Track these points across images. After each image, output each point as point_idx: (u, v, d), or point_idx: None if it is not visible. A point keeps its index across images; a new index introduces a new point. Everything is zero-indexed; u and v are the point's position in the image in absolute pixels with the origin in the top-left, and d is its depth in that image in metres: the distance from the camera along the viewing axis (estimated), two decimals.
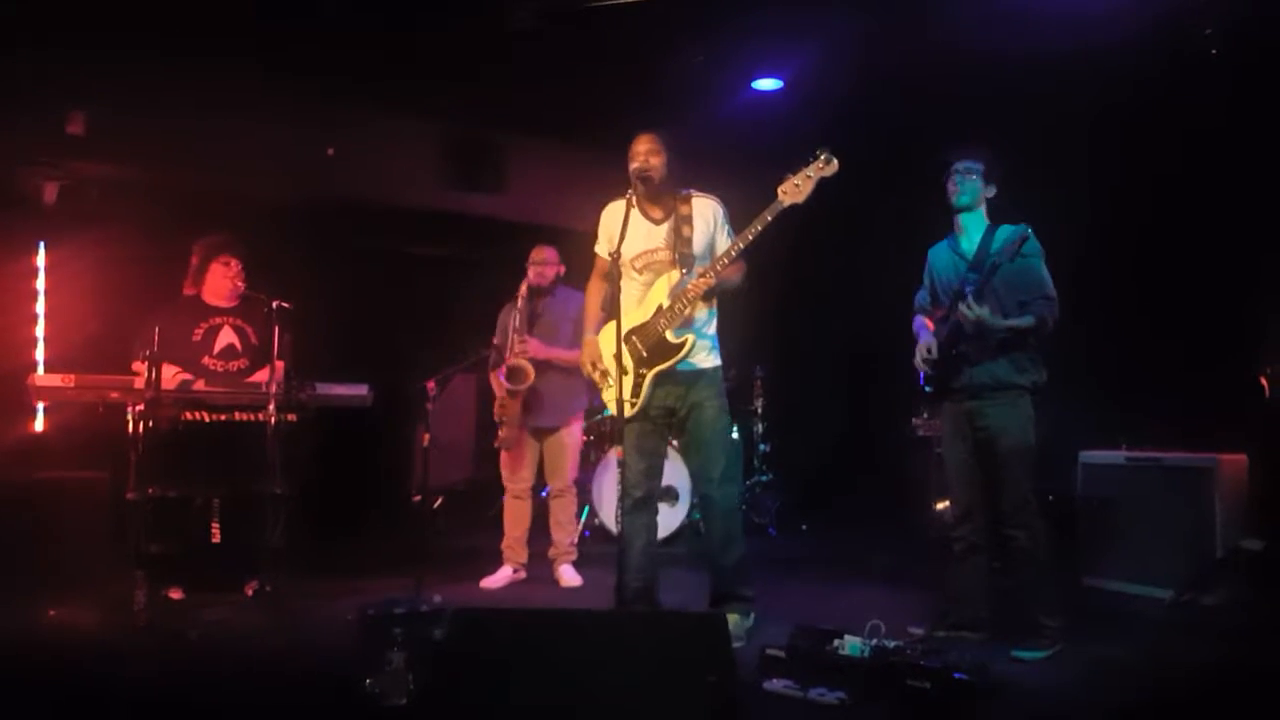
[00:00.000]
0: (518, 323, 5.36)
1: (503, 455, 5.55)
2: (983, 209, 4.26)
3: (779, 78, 6.49)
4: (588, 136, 6.97)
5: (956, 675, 3.24)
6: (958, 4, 5.15)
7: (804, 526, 7.78)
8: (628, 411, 4.09)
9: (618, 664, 2.69)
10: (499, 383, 5.53)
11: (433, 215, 7.60)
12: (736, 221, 4.17)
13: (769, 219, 3.89)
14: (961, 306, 3.97)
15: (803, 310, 8.20)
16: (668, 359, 4.11)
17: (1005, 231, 4.14)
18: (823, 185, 3.87)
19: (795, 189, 3.87)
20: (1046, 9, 5.04)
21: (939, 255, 4.41)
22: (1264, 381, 4.80)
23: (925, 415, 6.27)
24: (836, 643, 3.54)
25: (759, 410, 7.88)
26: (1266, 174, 5.21)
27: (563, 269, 5.56)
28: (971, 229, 4.26)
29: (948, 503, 6.06)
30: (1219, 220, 5.47)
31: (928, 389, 4.33)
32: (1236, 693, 3.59)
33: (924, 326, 4.39)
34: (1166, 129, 5.53)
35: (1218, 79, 5.10)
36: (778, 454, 7.95)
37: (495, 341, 5.61)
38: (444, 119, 7.31)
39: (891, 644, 3.50)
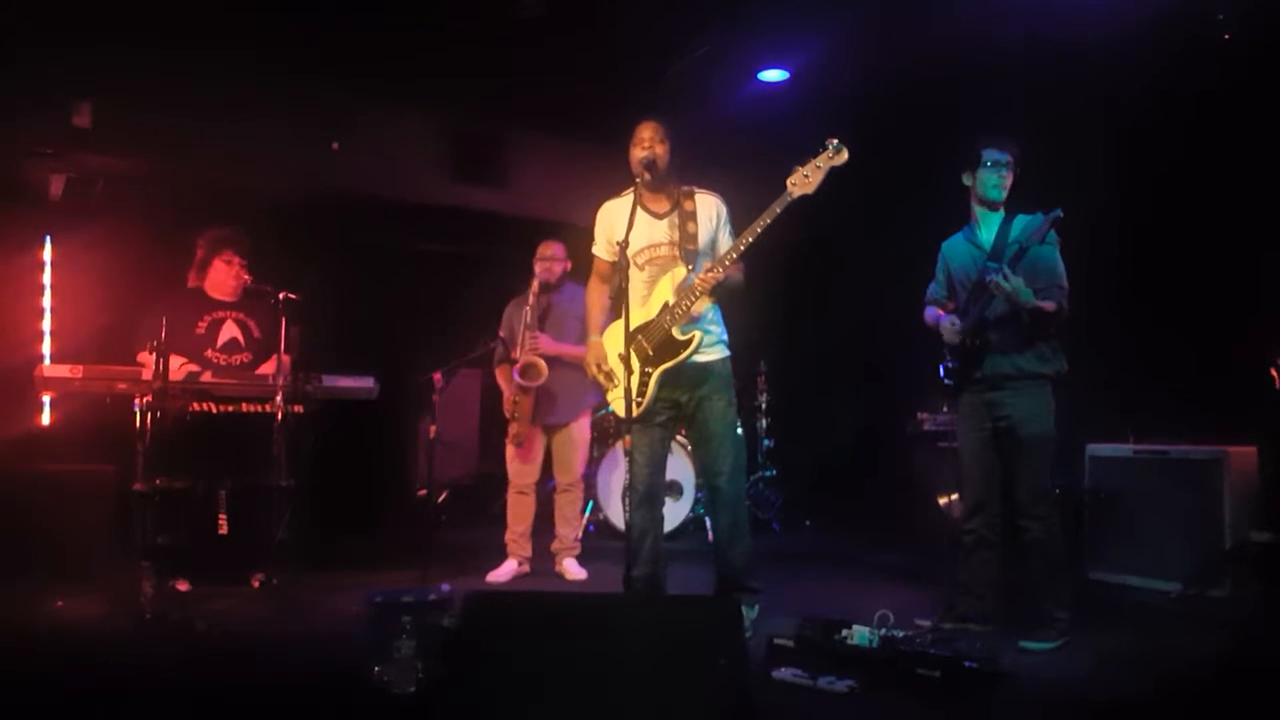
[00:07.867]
0: (529, 319, 5.37)
1: (510, 450, 5.56)
2: None
3: (785, 69, 6.47)
4: (593, 131, 6.97)
5: (967, 663, 3.24)
6: None
7: (808, 522, 7.79)
8: (634, 411, 4.04)
9: (629, 649, 2.67)
10: (507, 378, 5.53)
11: (438, 210, 7.59)
12: (739, 217, 4.12)
13: (778, 211, 3.84)
14: (996, 279, 3.92)
15: (806, 305, 8.18)
16: (675, 356, 4.06)
17: (1023, 220, 4.12)
18: (830, 177, 3.84)
19: (805, 180, 3.83)
20: None
21: (954, 248, 4.38)
22: (1274, 373, 4.78)
23: (945, 409, 6.23)
24: (845, 632, 3.53)
25: (762, 406, 7.87)
26: (1276, 163, 5.17)
27: (569, 265, 5.57)
28: (989, 219, 4.23)
29: (954, 497, 6.09)
30: (1228, 209, 5.43)
31: (948, 381, 4.31)
32: (1245, 685, 3.58)
33: (938, 315, 4.37)
34: (1173, 118, 5.50)
35: (1228, 66, 5.06)
36: (781, 449, 7.94)
37: (501, 335, 5.61)
38: (450, 114, 7.30)
39: (900, 634, 3.50)
